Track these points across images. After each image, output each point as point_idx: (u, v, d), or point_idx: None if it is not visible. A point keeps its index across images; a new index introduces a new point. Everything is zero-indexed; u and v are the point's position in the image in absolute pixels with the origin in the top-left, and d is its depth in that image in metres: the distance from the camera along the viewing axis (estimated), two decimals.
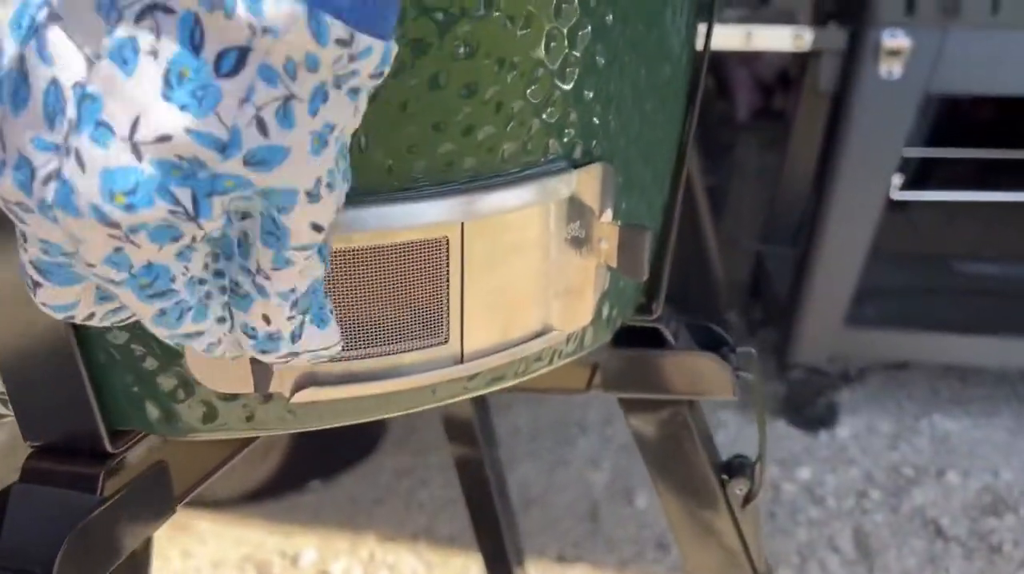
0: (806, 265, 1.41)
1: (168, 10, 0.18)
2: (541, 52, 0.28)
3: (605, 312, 0.36)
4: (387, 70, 0.21)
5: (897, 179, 1.37)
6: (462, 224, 0.28)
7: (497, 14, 0.27)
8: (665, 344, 0.41)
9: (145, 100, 0.19)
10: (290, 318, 0.24)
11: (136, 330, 0.28)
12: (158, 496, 0.31)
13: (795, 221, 1.72)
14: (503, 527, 0.76)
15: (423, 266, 0.28)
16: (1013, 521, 1.22)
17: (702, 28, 0.40)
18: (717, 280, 1.70)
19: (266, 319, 0.24)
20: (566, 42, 0.29)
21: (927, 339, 1.43)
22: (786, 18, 1.50)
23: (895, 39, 1.27)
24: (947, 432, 1.44)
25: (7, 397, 0.31)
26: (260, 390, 0.27)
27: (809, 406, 1.44)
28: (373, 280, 0.28)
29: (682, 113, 0.38)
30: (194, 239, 0.21)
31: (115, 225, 0.19)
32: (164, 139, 0.19)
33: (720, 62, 2.54)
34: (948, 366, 1.65)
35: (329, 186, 0.22)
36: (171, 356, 0.29)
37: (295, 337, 0.25)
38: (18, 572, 0.27)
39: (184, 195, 0.20)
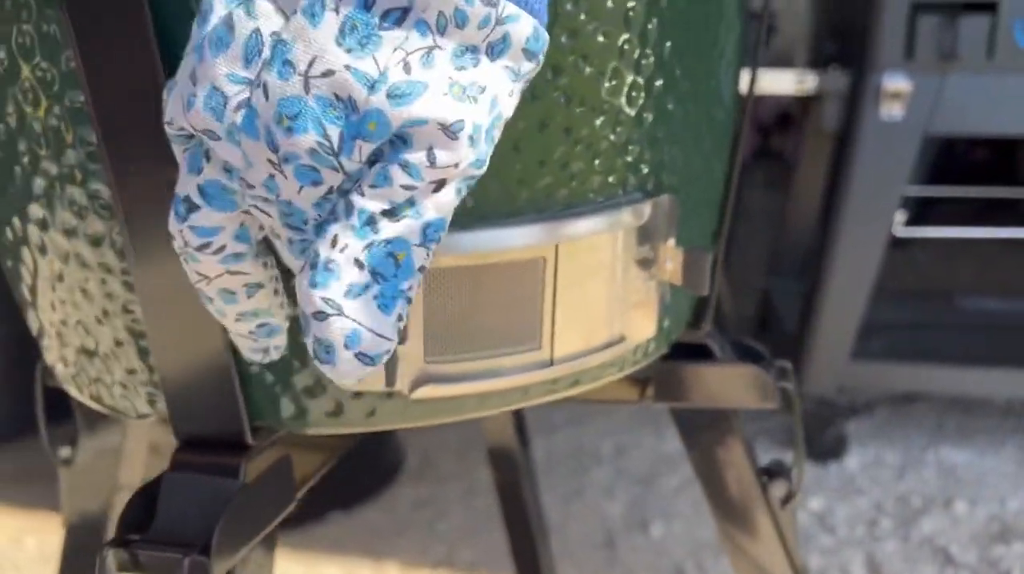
0: (813, 300, 1.46)
1: None
2: (623, 100, 0.34)
3: (665, 326, 0.41)
4: (541, 55, 0.26)
5: (900, 216, 1.42)
6: (556, 246, 0.33)
7: (590, 70, 0.32)
8: (712, 358, 0.45)
9: (323, 44, 0.23)
10: (359, 264, 0.26)
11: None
12: (285, 486, 0.36)
13: (800, 257, 1.77)
14: (539, 547, 0.80)
15: (524, 281, 0.33)
16: (1021, 549, 1.24)
17: (744, 74, 0.45)
18: (724, 315, 1.74)
19: (335, 242, 0.26)
20: (643, 92, 0.34)
21: (932, 372, 1.46)
22: (787, 61, 1.57)
23: (895, 82, 1.32)
24: (954, 463, 1.48)
25: (155, 397, 0.36)
26: (389, 383, 0.32)
27: (818, 437, 1.48)
28: (484, 293, 0.33)
29: (729, 150, 0.44)
30: (331, 190, 0.25)
31: (275, 149, 0.24)
32: (328, 74, 0.24)
33: None
34: (953, 398, 1.69)
35: (471, 139, 0.25)
36: (310, 357, 0.33)
37: (349, 292, 0.26)
38: (180, 546, 0.31)
39: (333, 132, 0.24)
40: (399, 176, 0.25)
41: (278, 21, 0.24)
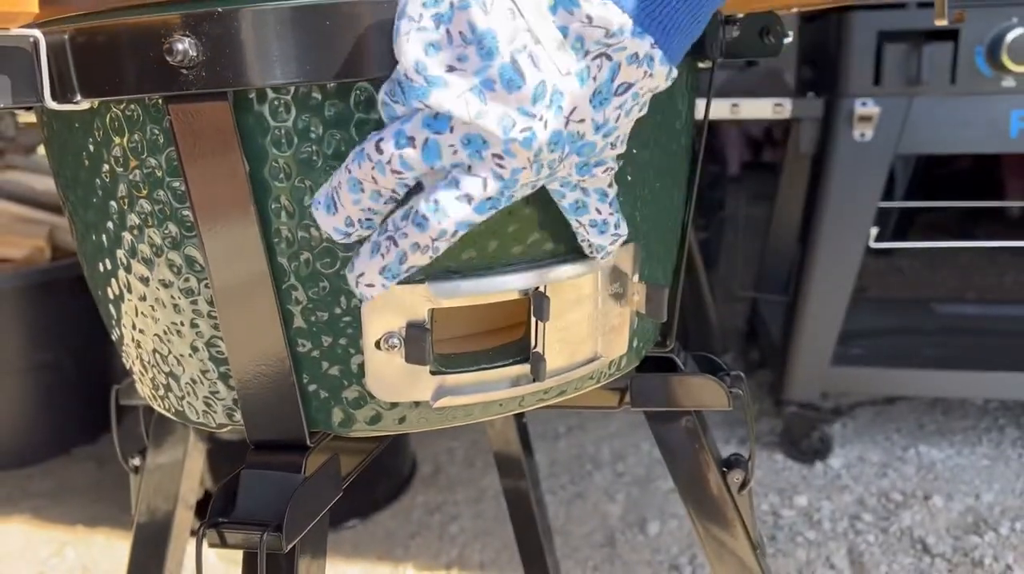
0: (795, 310, 1.54)
1: (609, 58, 0.36)
2: None
3: (635, 345, 0.51)
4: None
5: (874, 230, 1.50)
6: (545, 286, 0.43)
7: None
8: (677, 370, 0.55)
9: (581, 102, 0.36)
10: (611, 213, 0.43)
11: (333, 359, 0.43)
12: (334, 478, 0.46)
13: (785, 270, 1.85)
14: (544, 547, 0.90)
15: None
16: (993, 538, 1.31)
17: (699, 101, 0.55)
18: (713, 326, 1.83)
19: (599, 211, 0.43)
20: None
21: (912, 375, 1.53)
22: (768, 89, 1.66)
23: (865, 107, 1.41)
24: (932, 460, 1.55)
25: (233, 411, 0.45)
26: (420, 397, 0.42)
27: (804, 439, 1.55)
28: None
29: (685, 185, 0.54)
30: (540, 170, 0.38)
31: (537, 155, 0.37)
32: (580, 121, 0.37)
33: (712, 124, 2.71)
34: (932, 400, 1.78)
35: (620, 139, 0.40)
36: (355, 377, 0.43)
37: (616, 225, 0.44)
38: (258, 524, 0.41)
39: (568, 150, 0.38)
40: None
41: (556, 77, 0.35)
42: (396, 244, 0.38)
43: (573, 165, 0.39)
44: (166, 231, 0.42)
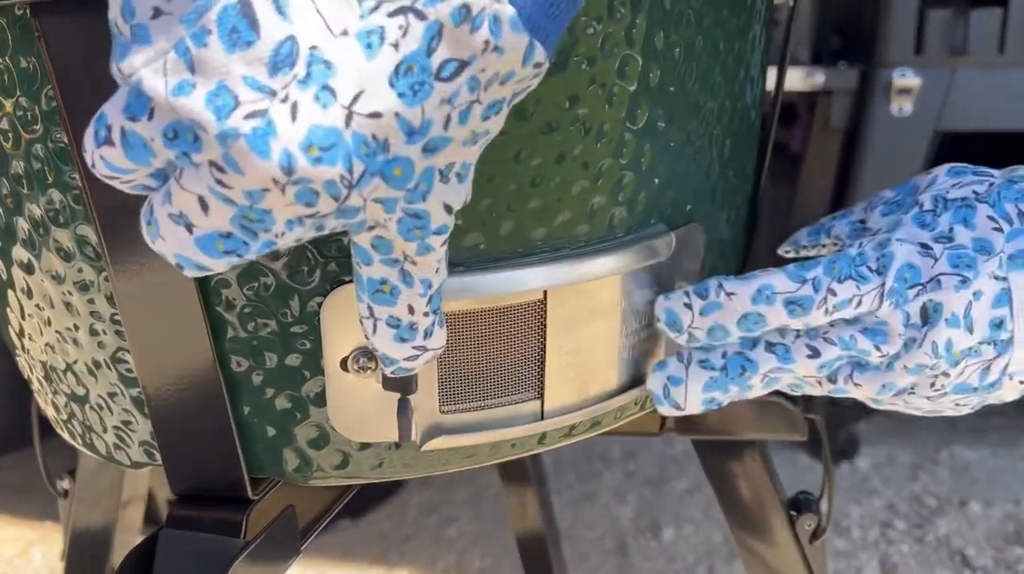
0: None
1: (421, 15, 0.22)
2: (639, 127, 0.31)
3: None
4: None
5: None
6: (571, 289, 0.31)
7: (607, 100, 0.30)
8: None
9: (373, 80, 0.22)
10: (426, 314, 0.27)
11: (282, 383, 0.31)
12: (289, 538, 0.34)
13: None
14: (550, 553, 0.79)
15: (518, 327, 0.31)
16: None
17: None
18: None
19: (410, 309, 0.27)
20: (661, 118, 0.32)
21: None
22: (793, 59, 1.55)
23: (905, 78, 1.31)
24: (967, 461, 1.46)
25: (153, 448, 0.34)
26: (403, 439, 0.30)
27: (830, 438, 1.46)
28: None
29: (756, 151, 0.41)
30: (315, 215, 0.23)
31: (289, 172, 0.21)
32: (375, 115, 0.22)
33: None
34: None
35: (459, 176, 0.25)
36: (312, 408, 0.31)
37: (427, 333, 0.27)
38: None
39: (358, 168, 0.22)
40: (435, 242, 0.26)
41: (319, 35, 0.22)
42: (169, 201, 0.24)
43: (381, 203, 0.24)
44: (49, 202, 0.30)
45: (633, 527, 1.31)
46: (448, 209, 0.25)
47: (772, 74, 0.44)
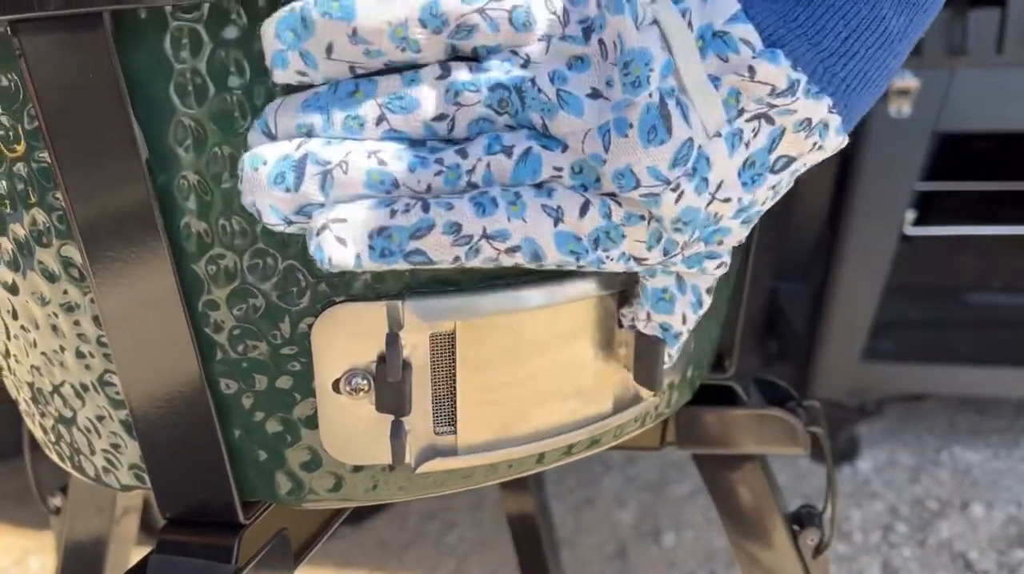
0: (823, 301, 1.44)
1: (771, 121, 0.27)
2: None
3: (688, 374, 0.38)
4: None
5: (910, 214, 1.40)
6: (572, 307, 0.31)
7: None
8: (737, 401, 0.43)
9: (729, 174, 0.27)
10: (688, 329, 0.32)
11: (272, 406, 0.30)
12: (282, 562, 0.33)
13: (807, 257, 1.75)
14: (549, 560, 0.78)
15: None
16: None
17: None
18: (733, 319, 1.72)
19: (683, 319, 0.32)
20: None
21: (943, 371, 1.45)
22: None
23: (904, 79, 1.31)
24: (968, 464, 1.46)
25: (143, 471, 0.33)
26: (397, 462, 0.29)
27: (831, 441, 1.46)
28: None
29: None
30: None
31: (659, 238, 0.28)
32: (727, 200, 0.28)
33: None
34: (965, 398, 1.67)
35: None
36: (304, 430, 0.30)
37: (680, 336, 0.33)
38: None
39: (697, 234, 0.29)
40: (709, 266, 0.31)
41: (702, 136, 0.26)
42: (426, 211, 0.26)
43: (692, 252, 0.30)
44: (32, 222, 0.29)
45: (634, 532, 1.30)
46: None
47: None
